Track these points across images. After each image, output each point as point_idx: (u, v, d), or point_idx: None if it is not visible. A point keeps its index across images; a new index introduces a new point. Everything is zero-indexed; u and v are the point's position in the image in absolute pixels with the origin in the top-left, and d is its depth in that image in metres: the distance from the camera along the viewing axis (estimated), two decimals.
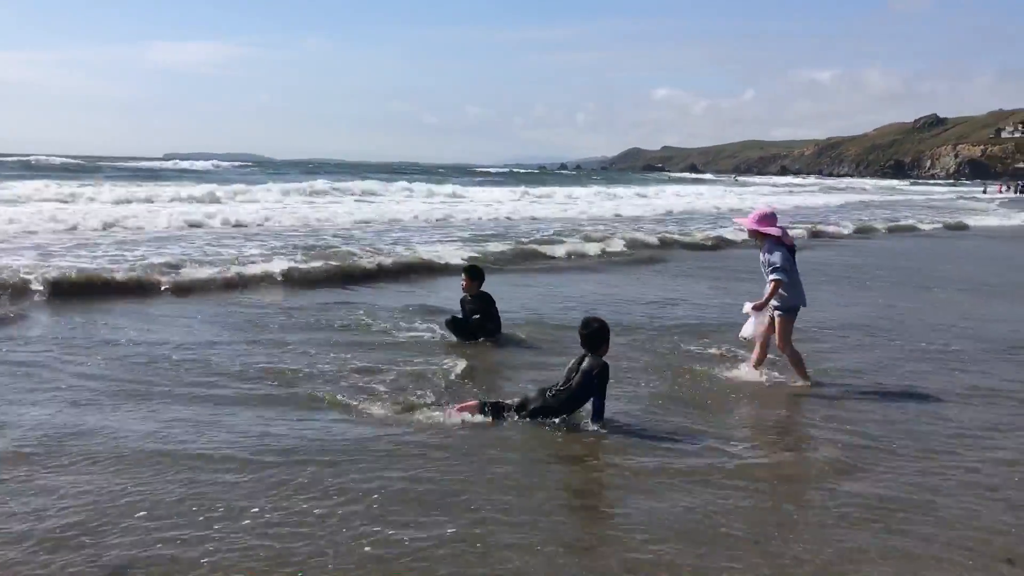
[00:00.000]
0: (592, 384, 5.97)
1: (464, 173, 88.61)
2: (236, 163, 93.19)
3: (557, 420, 6.00)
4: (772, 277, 7.34)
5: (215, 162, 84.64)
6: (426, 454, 5.30)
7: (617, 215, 30.43)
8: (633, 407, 6.53)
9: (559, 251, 17.25)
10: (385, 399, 6.43)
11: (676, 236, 21.71)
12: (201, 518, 4.24)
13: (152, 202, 26.62)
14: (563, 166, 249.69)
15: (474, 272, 9.12)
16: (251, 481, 4.74)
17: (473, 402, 6.21)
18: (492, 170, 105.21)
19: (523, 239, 18.82)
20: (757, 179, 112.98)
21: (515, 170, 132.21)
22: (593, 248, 18.21)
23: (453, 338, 8.67)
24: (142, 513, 4.28)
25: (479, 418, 6.02)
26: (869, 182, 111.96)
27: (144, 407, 6.11)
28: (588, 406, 6.06)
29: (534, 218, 27.84)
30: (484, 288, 8.98)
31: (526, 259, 16.23)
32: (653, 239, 20.58)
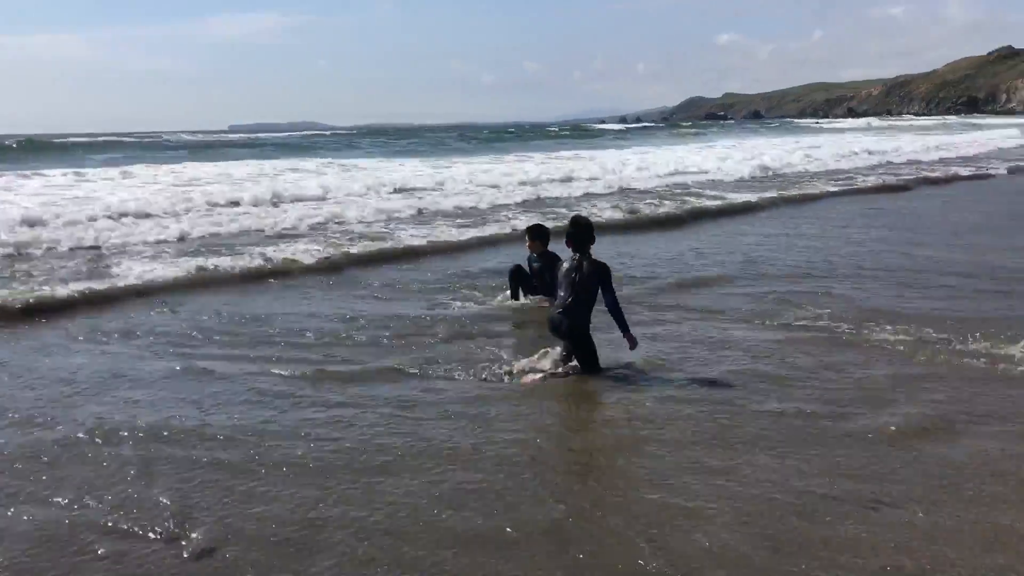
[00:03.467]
0: (598, 281, 5.96)
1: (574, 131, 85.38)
2: (330, 132, 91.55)
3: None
4: None
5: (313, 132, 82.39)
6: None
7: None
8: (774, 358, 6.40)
9: None
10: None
11: None
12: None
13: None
14: (623, 119, 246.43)
15: (536, 232, 8.82)
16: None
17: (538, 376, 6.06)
18: (607, 127, 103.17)
19: None
20: (900, 121, 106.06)
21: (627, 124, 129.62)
22: None
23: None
24: None
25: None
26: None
27: None
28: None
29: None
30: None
31: None
32: None
